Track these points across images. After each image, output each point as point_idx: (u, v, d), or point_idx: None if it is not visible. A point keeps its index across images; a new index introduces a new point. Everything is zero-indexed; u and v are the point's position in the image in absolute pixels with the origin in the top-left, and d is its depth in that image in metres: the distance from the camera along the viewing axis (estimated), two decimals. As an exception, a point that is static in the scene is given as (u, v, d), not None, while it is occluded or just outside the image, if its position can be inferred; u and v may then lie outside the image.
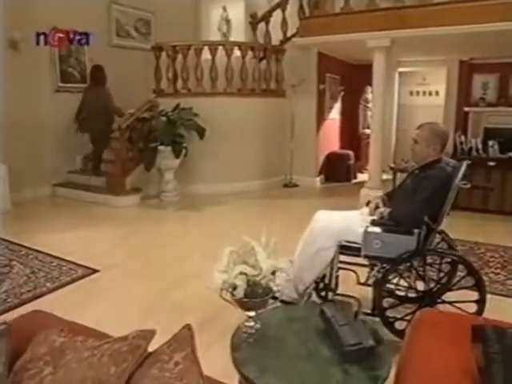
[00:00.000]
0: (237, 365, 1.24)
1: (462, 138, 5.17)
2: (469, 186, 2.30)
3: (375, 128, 5.92)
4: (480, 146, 4.97)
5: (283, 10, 6.46)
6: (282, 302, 2.44)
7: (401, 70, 7.94)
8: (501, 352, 1.02)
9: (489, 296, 2.86)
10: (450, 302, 2.32)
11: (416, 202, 2.31)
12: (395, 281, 2.48)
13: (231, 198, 5.88)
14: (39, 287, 3.06)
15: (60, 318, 1.43)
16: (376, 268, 2.44)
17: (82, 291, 3.07)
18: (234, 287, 1.25)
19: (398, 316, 2.36)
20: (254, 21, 6.69)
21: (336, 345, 1.24)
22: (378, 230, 2.36)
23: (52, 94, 5.82)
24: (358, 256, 2.42)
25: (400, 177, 5.40)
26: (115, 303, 2.88)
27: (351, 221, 2.46)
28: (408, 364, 1.18)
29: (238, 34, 7.35)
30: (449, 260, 2.52)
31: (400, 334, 2.33)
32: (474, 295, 2.29)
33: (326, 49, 6.44)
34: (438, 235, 2.53)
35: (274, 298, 1.49)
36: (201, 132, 5.64)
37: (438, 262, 2.58)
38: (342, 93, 7.61)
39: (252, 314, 1.34)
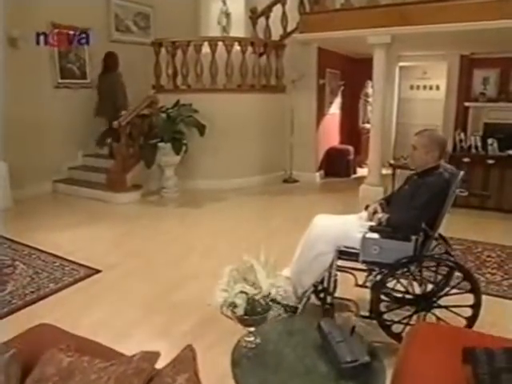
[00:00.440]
0: (237, 381, 1.29)
1: (462, 135, 5.18)
2: (466, 193, 2.33)
3: (375, 123, 5.94)
4: (479, 144, 4.98)
5: (283, 5, 6.41)
6: (283, 306, 2.50)
7: (401, 64, 7.91)
8: (490, 373, 1.06)
9: (485, 297, 2.92)
10: (445, 307, 2.36)
11: (414, 209, 2.35)
12: (392, 284, 2.53)
13: (231, 194, 5.92)
14: (42, 288, 3.11)
15: (66, 332, 1.47)
16: (374, 273, 2.49)
17: (85, 293, 3.11)
18: (235, 305, 1.29)
19: (396, 319, 2.41)
20: (253, 15, 6.65)
21: (333, 361, 1.29)
22: (376, 236, 2.39)
23: (52, 91, 5.82)
24: (356, 261, 2.46)
25: (400, 174, 5.42)
26: (117, 306, 2.93)
27: (349, 226, 2.49)
28: (401, 382, 1.23)
29: (238, 28, 7.30)
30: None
31: (397, 336, 2.40)
32: (470, 299, 2.34)
33: (327, 44, 6.42)
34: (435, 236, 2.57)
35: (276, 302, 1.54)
36: (201, 129, 5.65)
37: (435, 264, 2.63)
38: (342, 87, 7.60)
39: (252, 329, 1.39)
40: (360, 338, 1.41)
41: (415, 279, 2.42)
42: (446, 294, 2.38)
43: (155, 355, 1.09)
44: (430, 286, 2.59)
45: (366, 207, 2.76)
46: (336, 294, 2.64)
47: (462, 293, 2.32)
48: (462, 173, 2.30)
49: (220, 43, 5.93)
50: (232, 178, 6.21)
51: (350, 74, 7.72)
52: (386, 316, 2.41)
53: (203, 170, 6.14)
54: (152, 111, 5.77)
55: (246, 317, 1.32)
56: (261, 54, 6.25)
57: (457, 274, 2.53)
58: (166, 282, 3.27)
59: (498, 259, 3.76)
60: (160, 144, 5.50)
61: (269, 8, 6.54)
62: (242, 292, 1.28)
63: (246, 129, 6.21)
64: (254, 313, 1.32)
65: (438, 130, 7.73)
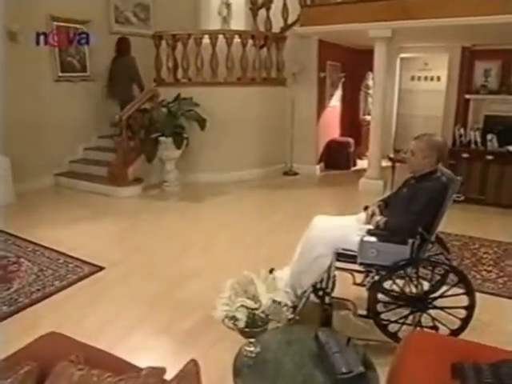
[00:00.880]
0: (238, 391, 1.36)
1: (462, 130, 5.20)
2: (462, 198, 2.38)
3: (375, 115, 5.96)
4: (479, 139, 5.01)
5: (284, -3, 6.36)
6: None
7: (402, 55, 7.88)
8: (478, 388, 1.12)
9: (480, 295, 2.99)
10: (441, 308, 2.43)
11: (411, 214, 2.39)
12: (389, 285, 2.59)
13: (232, 187, 5.97)
14: (48, 286, 3.18)
15: (74, 341, 1.53)
16: (371, 274, 2.56)
17: (89, 291, 3.18)
18: (236, 319, 1.36)
19: (392, 319, 2.48)
20: (254, 7, 6.61)
21: (329, 371, 1.36)
22: (373, 239, 2.45)
23: (52, 84, 5.82)
24: (354, 263, 2.52)
25: (399, 169, 5.45)
26: (120, 304, 2.99)
27: (348, 230, 2.55)
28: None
29: (239, 18, 7.25)
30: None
31: (393, 336, 2.48)
32: (464, 301, 2.41)
33: (327, 37, 6.38)
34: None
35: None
36: (201, 123, 5.67)
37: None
38: (343, 79, 7.58)
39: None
40: (355, 347, 1.48)
41: (411, 281, 2.49)
42: (441, 296, 2.44)
43: (161, 371, 1.16)
44: (426, 286, 2.65)
45: (365, 208, 2.81)
46: (335, 293, 2.72)
47: (457, 295, 2.39)
48: (459, 178, 2.34)
49: (220, 36, 5.91)
50: (233, 171, 6.26)
51: (351, 65, 7.69)
52: (382, 315, 2.49)
53: (204, 164, 6.17)
54: (153, 105, 5.78)
55: (246, 329, 1.39)
56: (261, 47, 6.23)
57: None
58: (169, 279, 3.34)
59: (495, 256, 3.82)
60: (161, 138, 5.53)
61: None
62: (242, 306, 1.34)
63: (246, 122, 6.23)
64: (254, 325, 1.38)
65: (439, 119, 7.77)
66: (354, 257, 2.49)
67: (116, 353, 1.53)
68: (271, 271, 2.89)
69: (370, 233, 2.47)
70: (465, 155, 4.95)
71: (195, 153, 6.02)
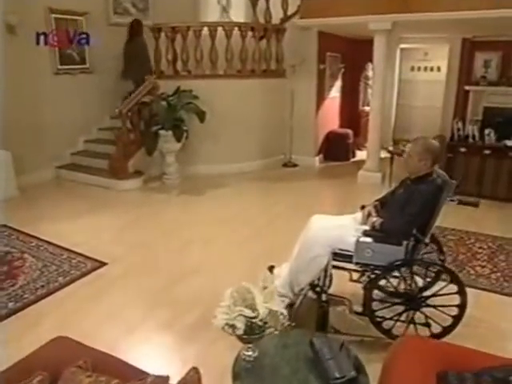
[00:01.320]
0: (237, 395, 1.44)
1: (460, 124, 5.23)
2: (456, 201, 2.43)
3: (375, 106, 5.97)
4: (477, 134, 5.04)
5: (284, -13, 6.31)
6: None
7: (402, 46, 7.84)
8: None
9: (474, 291, 3.08)
10: (433, 306, 2.51)
11: (406, 216, 2.46)
12: (384, 283, 2.68)
13: (232, 179, 6.03)
14: (52, 282, 3.26)
15: (82, 345, 1.61)
16: (367, 273, 2.64)
17: (92, 286, 3.25)
18: (235, 326, 1.43)
19: (387, 316, 2.57)
20: (254, -3, 6.55)
21: (323, 376, 1.44)
22: (369, 240, 2.52)
23: (52, 77, 5.82)
24: (350, 262, 2.60)
25: (397, 161, 5.49)
26: (123, 300, 3.08)
27: (345, 231, 2.61)
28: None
29: (238, 8, 7.21)
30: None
31: (387, 332, 2.57)
32: (456, 299, 2.49)
33: (327, 28, 6.35)
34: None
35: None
36: (201, 116, 5.69)
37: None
38: (343, 70, 7.56)
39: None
40: (348, 351, 1.56)
41: (405, 280, 2.56)
42: (434, 295, 2.52)
43: (166, 380, 1.23)
44: (420, 283, 2.72)
45: (362, 207, 2.87)
46: (332, 289, 2.80)
47: (449, 294, 2.46)
48: (454, 182, 2.40)
49: (220, 28, 5.88)
50: (232, 162, 6.30)
51: (351, 56, 7.67)
52: (377, 313, 2.57)
53: (204, 156, 6.21)
54: (152, 98, 5.79)
55: (245, 336, 1.46)
56: (261, 38, 6.21)
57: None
58: (170, 275, 3.42)
59: (489, 251, 3.89)
60: (161, 131, 5.56)
61: (269, -10, 6.43)
62: (241, 315, 1.41)
63: (245, 114, 6.24)
64: (252, 333, 1.46)
65: (438, 110, 7.77)
66: (351, 256, 2.56)
67: (119, 349, 1.60)
68: (271, 269, 2.98)
69: (365, 234, 2.54)
70: (462, 149, 5.00)
71: (195, 145, 6.05)
